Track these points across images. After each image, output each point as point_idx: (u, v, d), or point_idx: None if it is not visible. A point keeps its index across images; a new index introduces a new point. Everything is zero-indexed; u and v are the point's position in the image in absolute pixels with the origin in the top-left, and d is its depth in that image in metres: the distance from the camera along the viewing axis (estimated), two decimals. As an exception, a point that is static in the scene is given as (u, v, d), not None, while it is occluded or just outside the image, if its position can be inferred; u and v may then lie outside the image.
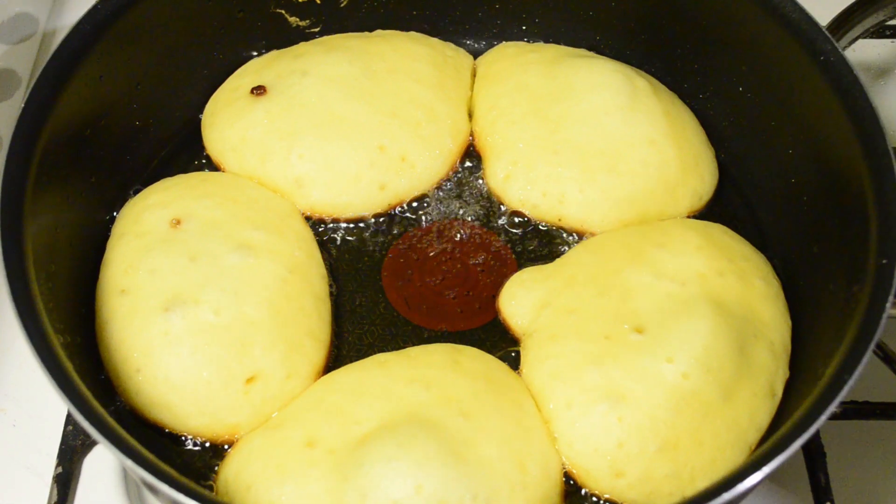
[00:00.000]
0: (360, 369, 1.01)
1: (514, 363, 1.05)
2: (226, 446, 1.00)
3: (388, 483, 0.90)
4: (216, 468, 0.99)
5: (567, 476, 0.99)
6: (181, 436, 1.01)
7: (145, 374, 0.99)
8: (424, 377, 0.98)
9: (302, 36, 1.26)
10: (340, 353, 1.07)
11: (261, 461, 0.95)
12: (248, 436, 0.99)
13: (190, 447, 1.01)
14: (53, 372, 0.85)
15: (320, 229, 1.15)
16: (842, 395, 0.85)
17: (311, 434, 0.95)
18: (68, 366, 0.86)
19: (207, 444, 1.01)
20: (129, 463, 0.81)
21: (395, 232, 1.16)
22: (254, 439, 0.97)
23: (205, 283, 1.02)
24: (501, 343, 1.08)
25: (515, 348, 1.07)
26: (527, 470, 0.94)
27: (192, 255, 1.04)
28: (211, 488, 0.97)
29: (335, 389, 0.99)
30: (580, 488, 0.98)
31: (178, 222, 1.07)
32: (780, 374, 1.02)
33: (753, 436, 0.99)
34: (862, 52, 1.43)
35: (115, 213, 1.12)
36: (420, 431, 0.92)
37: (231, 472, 0.96)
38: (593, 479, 0.97)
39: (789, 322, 1.07)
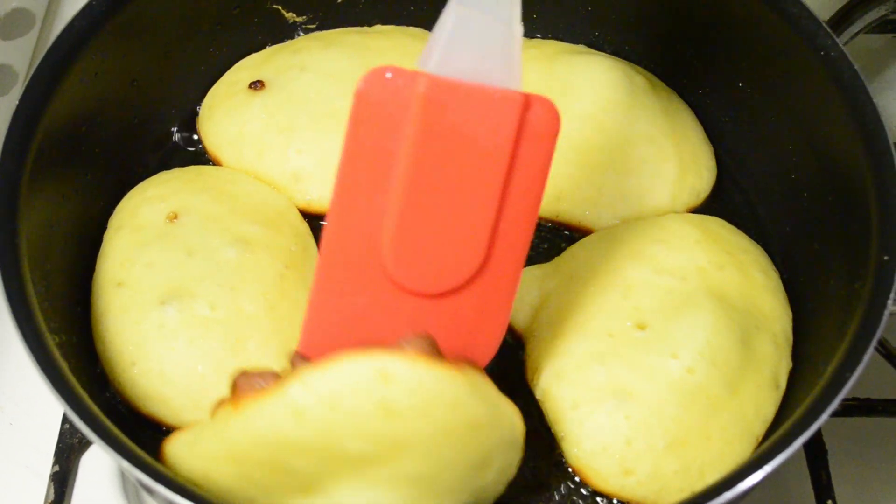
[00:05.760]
0: None
1: (515, 365, 1.05)
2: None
3: None
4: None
5: (575, 476, 0.98)
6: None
7: (140, 367, 0.99)
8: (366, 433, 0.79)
9: (299, 32, 1.26)
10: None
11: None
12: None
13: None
14: (49, 373, 0.84)
15: (317, 225, 1.15)
16: (843, 393, 0.85)
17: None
18: (64, 366, 0.86)
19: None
20: (125, 463, 0.81)
21: (392, 228, 1.15)
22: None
23: (201, 277, 1.02)
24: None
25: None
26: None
27: (189, 250, 1.04)
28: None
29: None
30: (593, 492, 0.98)
31: (176, 216, 1.07)
32: (784, 365, 1.02)
33: (760, 428, 0.98)
34: (864, 47, 1.43)
35: (111, 210, 1.11)
36: None
37: None
38: (602, 479, 0.97)
39: (790, 313, 1.06)
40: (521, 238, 0.87)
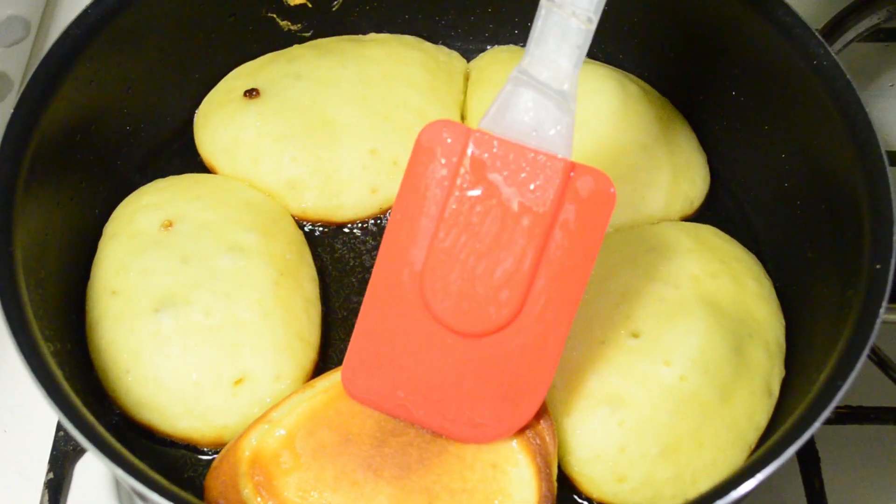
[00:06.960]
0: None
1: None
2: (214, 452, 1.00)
3: None
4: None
5: (568, 483, 0.98)
6: (173, 442, 1.01)
7: (135, 374, 0.99)
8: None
9: (294, 40, 1.26)
10: (329, 356, 1.07)
11: None
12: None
13: (181, 453, 1.01)
14: (43, 381, 0.84)
15: (311, 232, 1.15)
16: (836, 401, 0.85)
17: None
18: (58, 374, 0.86)
19: (200, 451, 1.01)
20: (119, 471, 0.80)
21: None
22: None
23: (196, 284, 1.02)
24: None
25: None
26: None
27: (184, 257, 1.04)
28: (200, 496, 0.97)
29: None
30: (587, 499, 0.99)
31: (171, 224, 1.07)
32: (777, 373, 1.02)
33: (753, 435, 0.99)
34: (856, 55, 1.43)
35: (106, 218, 1.11)
36: None
37: None
38: (596, 486, 0.97)
39: (783, 321, 1.07)
40: (564, 301, 0.89)
